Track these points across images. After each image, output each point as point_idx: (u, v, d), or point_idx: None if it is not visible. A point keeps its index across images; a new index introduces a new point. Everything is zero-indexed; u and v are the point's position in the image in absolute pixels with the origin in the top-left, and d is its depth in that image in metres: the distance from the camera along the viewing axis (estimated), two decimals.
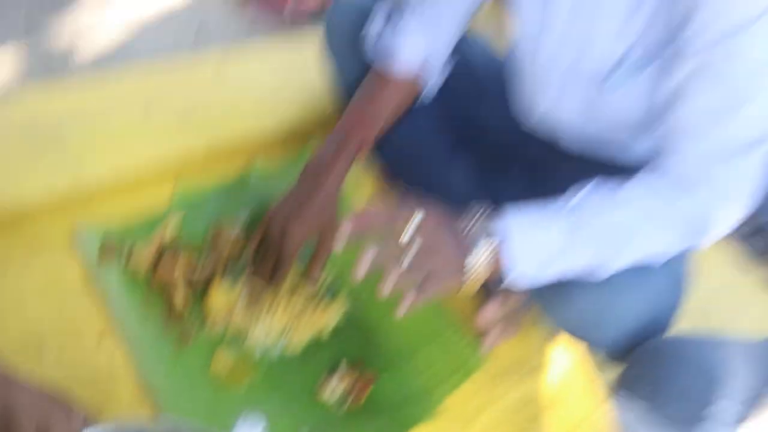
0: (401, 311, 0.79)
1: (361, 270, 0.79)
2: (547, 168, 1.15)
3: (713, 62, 0.81)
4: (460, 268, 0.80)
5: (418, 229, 0.79)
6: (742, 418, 0.81)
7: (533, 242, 0.82)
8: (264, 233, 1.10)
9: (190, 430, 0.73)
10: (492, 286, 1.10)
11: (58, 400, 0.70)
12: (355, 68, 1.21)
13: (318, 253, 1.10)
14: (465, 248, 0.80)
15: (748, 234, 1.59)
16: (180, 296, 1.05)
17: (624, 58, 0.93)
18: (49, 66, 1.50)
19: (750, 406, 0.82)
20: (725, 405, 0.79)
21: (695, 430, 0.80)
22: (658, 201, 0.85)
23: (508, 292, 1.10)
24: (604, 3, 0.91)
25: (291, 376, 1.02)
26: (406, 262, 0.77)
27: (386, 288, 0.77)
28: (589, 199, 0.85)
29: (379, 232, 0.80)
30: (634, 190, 0.86)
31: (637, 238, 0.86)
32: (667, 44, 0.88)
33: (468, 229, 0.82)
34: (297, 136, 1.41)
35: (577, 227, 0.83)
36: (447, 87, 1.22)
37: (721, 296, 1.39)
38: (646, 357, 0.89)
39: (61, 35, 1.59)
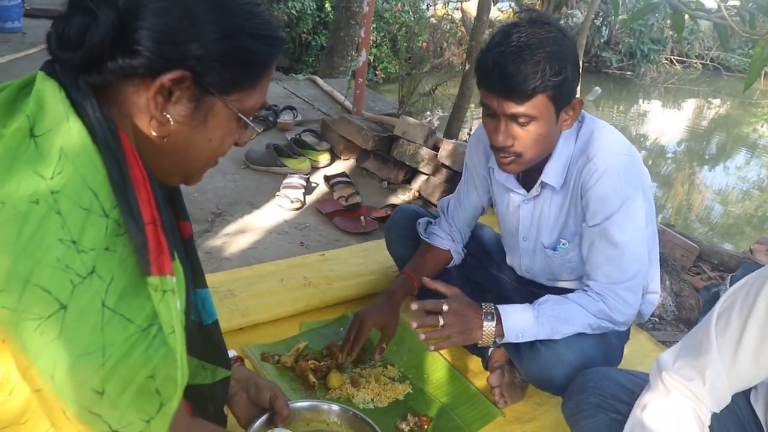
0: (431, 348, 1.51)
1: (414, 325, 1.52)
2: (534, 291, 1.86)
3: (602, 232, 1.55)
4: (479, 327, 1.51)
5: (449, 307, 1.52)
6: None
7: (517, 318, 1.54)
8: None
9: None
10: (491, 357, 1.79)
11: (276, 387, 1.39)
12: (405, 250, 2.02)
13: (381, 340, 1.83)
14: (482, 317, 1.52)
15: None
16: (312, 379, 1.75)
17: (560, 237, 1.69)
18: (216, 261, 2.36)
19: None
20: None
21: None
22: (586, 303, 1.57)
23: (506, 367, 1.76)
24: (544, 211, 1.67)
25: (380, 419, 1.67)
26: (441, 322, 1.49)
27: (429, 337, 1.50)
28: (548, 300, 1.58)
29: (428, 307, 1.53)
30: (574, 297, 1.59)
31: (575, 321, 1.56)
32: (579, 225, 1.64)
33: (485, 309, 1.55)
34: (373, 294, 2.18)
35: (540, 313, 1.55)
36: (468, 255, 2.00)
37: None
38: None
39: (219, 246, 2.47)
